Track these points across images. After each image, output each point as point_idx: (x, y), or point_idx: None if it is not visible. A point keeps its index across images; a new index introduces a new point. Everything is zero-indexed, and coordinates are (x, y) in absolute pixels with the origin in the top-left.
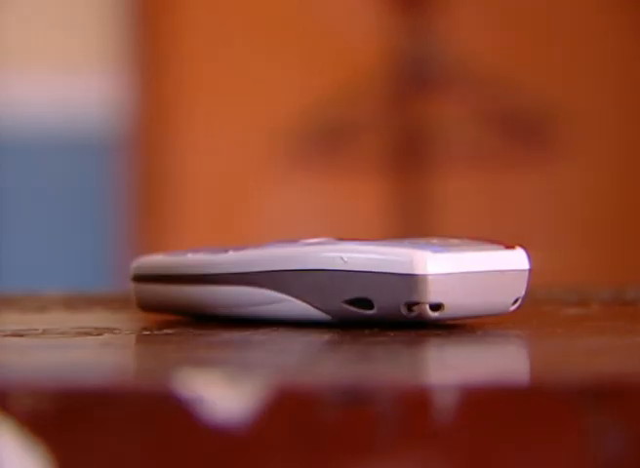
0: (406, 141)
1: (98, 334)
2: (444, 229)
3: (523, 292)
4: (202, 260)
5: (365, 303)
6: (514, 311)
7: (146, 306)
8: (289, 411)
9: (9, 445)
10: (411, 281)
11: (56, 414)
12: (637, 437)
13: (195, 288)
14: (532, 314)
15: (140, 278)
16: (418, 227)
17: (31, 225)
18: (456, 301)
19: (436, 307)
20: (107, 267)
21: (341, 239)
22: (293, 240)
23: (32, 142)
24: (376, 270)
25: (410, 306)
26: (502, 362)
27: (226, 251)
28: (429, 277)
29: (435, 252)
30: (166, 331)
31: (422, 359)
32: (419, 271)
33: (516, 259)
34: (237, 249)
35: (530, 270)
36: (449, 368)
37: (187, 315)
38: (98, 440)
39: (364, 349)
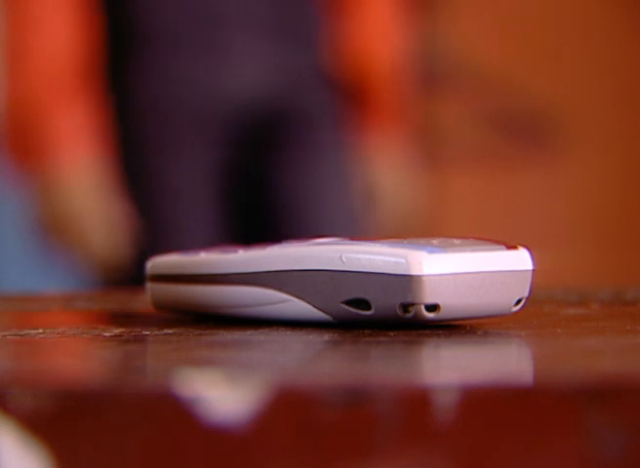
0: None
1: (97, 334)
2: (446, 229)
3: (526, 293)
4: (210, 261)
5: (363, 304)
6: (517, 312)
7: (160, 306)
8: (289, 411)
9: (9, 445)
10: (405, 281)
11: (56, 414)
12: (637, 437)
13: (203, 288)
14: (532, 314)
15: (154, 278)
16: (420, 227)
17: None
18: (453, 302)
19: (432, 308)
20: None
21: (352, 238)
22: (303, 239)
23: None
24: (372, 271)
25: (405, 307)
26: (502, 362)
27: (236, 251)
28: (424, 277)
29: (431, 252)
30: (166, 330)
31: (423, 359)
32: (413, 272)
33: (518, 260)
34: (247, 249)
35: (533, 271)
36: (449, 368)
37: (197, 314)
38: (98, 440)
39: (364, 349)
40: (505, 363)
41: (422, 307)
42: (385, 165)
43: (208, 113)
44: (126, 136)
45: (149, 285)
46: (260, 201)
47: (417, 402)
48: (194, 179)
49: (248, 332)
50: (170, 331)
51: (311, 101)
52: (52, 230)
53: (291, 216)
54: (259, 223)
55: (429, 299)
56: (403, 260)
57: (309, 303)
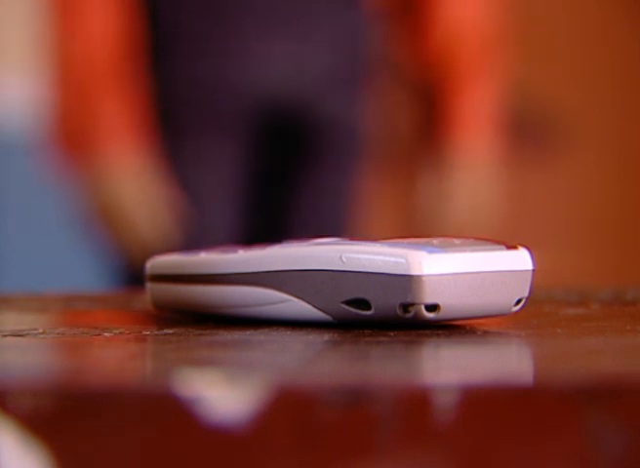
0: (408, 141)
1: (97, 334)
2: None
3: (526, 293)
4: (210, 260)
5: (363, 304)
6: (517, 312)
7: (160, 306)
8: (289, 411)
9: (9, 445)
10: (405, 281)
11: (56, 414)
12: (637, 437)
13: (203, 287)
14: (532, 314)
15: (154, 277)
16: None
17: (32, 225)
18: (453, 302)
19: (432, 308)
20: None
21: (352, 239)
22: (303, 239)
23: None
24: (372, 271)
25: (405, 307)
26: (502, 362)
27: (236, 251)
28: (424, 277)
29: (431, 252)
30: (166, 330)
31: (423, 359)
32: (413, 272)
33: (518, 260)
34: (247, 249)
35: (533, 271)
36: (449, 367)
37: (197, 315)
38: (97, 440)
39: (364, 349)
40: (505, 363)
41: (422, 307)
42: (465, 166)
43: (230, 112)
44: (169, 130)
45: (149, 285)
46: (280, 202)
47: (417, 402)
48: (215, 177)
49: (248, 332)
50: (170, 331)
51: (336, 104)
52: (100, 219)
53: (309, 219)
54: (277, 224)
55: (429, 299)
56: (403, 260)
57: (309, 303)
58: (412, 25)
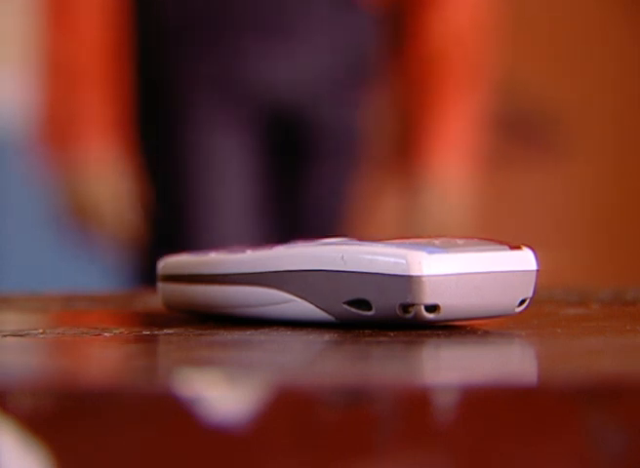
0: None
1: (97, 334)
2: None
3: (530, 294)
4: (217, 261)
5: (364, 304)
6: (520, 313)
7: (170, 305)
8: (289, 411)
9: (9, 445)
10: (405, 282)
11: (56, 414)
12: (637, 437)
13: (210, 288)
14: (532, 314)
15: (165, 278)
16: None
17: (32, 225)
18: (453, 303)
19: (432, 309)
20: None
21: (357, 239)
22: (310, 239)
23: None
24: (372, 271)
25: (405, 308)
26: (503, 362)
27: (244, 251)
28: (424, 278)
29: (431, 252)
30: (166, 331)
31: (423, 359)
32: (413, 272)
33: (522, 260)
34: (255, 249)
35: (537, 271)
36: (449, 368)
37: (205, 314)
38: (97, 440)
39: (364, 349)
40: (505, 363)
41: (422, 308)
42: (445, 176)
43: (228, 113)
44: (152, 130)
45: (160, 285)
46: (279, 203)
47: (417, 402)
48: (223, 179)
49: (248, 332)
50: (170, 331)
51: (336, 105)
52: (75, 214)
53: (310, 219)
54: (276, 225)
55: (429, 300)
56: (403, 261)
57: (312, 303)
58: (402, 32)
